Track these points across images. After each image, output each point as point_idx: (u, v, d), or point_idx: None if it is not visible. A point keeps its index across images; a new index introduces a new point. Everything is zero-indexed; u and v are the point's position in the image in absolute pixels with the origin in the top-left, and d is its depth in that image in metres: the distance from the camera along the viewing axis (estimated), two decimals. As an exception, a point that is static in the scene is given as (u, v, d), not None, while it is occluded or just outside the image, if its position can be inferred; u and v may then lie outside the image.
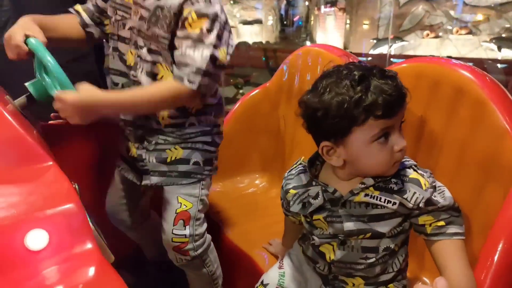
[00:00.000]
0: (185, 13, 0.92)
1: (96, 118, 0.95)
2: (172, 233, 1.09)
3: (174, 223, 1.08)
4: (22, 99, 0.98)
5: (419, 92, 1.08)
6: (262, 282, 0.98)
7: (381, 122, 0.74)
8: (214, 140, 1.12)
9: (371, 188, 0.81)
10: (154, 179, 1.10)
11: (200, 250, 1.12)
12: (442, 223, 0.81)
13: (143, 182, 1.12)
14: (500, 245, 0.79)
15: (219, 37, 0.95)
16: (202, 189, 1.10)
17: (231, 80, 5.75)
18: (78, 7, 1.14)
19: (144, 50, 0.99)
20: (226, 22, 0.99)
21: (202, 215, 1.13)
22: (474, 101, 0.98)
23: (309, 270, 0.96)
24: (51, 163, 0.75)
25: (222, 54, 0.97)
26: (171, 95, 0.97)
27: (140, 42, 0.99)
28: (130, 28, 1.01)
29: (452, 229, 0.81)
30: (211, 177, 1.15)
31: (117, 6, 1.03)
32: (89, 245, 0.62)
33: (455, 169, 1.02)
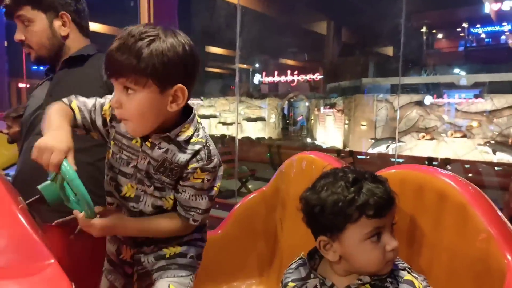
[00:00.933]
0: (190, 168, 1.01)
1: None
2: None
3: None
4: (33, 200, 1.03)
5: (405, 196, 1.14)
6: None
7: (373, 221, 0.83)
8: (203, 237, 1.16)
9: (368, 285, 0.86)
10: (154, 275, 1.12)
11: None
12: None
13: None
14: None
15: (215, 179, 1.06)
16: (191, 281, 1.12)
17: (239, 173, 5.88)
18: (75, 104, 1.06)
19: (151, 188, 1.05)
20: (219, 165, 1.06)
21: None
22: (456, 206, 1.03)
23: None
24: (52, 261, 0.79)
25: (217, 189, 1.07)
26: (177, 229, 1.07)
27: (147, 181, 1.05)
28: (135, 167, 1.05)
29: None
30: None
31: (123, 147, 1.05)
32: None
33: (447, 274, 1.03)
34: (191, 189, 1.03)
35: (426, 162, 6.34)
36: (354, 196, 0.83)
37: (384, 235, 0.85)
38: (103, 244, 1.23)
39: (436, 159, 6.83)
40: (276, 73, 17.75)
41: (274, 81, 17.91)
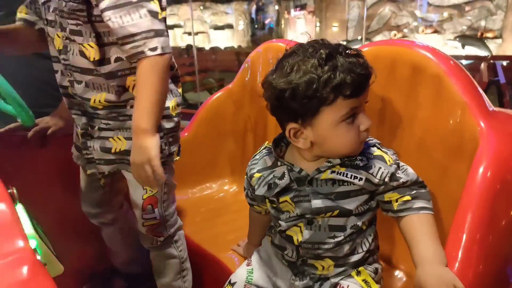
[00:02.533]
0: None
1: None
2: (143, 218, 1.09)
3: (143, 209, 1.08)
4: None
5: (377, 73, 1.06)
6: (230, 281, 0.94)
7: (350, 101, 0.74)
8: (160, 126, 1.02)
9: (338, 166, 0.80)
10: (103, 168, 1.07)
11: (172, 230, 1.14)
12: (408, 197, 0.81)
13: (89, 171, 1.10)
14: (468, 219, 0.76)
15: None
16: (165, 173, 1.01)
17: (204, 83, 5.73)
18: (18, 14, 1.09)
19: (68, 31, 0.94)
20: None
21: (170, 196, 1.13)
22: (431, 78, 0.97)
23: (278, 263, 0.92)
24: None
25: (156, 4, 0.89)
26: (158, 73, 0.89)
27: (64, 23, 0.94)
28: (54, 10, 0.96)
29: (418, 204, 0.81)
30: (172, 161, 1.11)
31: None
32: (20, 244, 0.57)
33: (419, 149, 1.00)
34: (111, 11, 0.85)
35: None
36: (330, 75, 0.71)
37: (359, 115, 0.77)
38: (54, 153, 1.16)
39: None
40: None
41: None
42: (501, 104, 3.76)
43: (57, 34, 0.98)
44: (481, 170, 0.81)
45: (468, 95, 0.91)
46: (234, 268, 1.00)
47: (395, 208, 0.82)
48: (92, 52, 0.93)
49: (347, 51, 0.75)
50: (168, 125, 1.06)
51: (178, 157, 1.15)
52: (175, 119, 1.08)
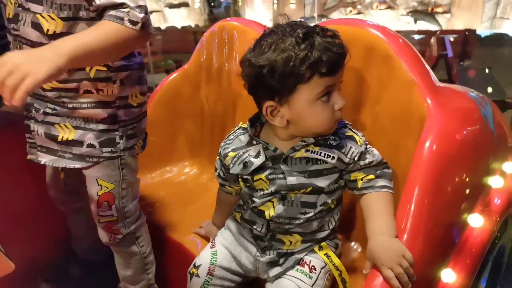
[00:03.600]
0: None
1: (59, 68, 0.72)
2: (98, 214, 1.03)
3: (99, 205, 1.02)
4: None
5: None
6: (194, 264, 0.95)
7: (325, 79, 0.77)
8: (115, 116, 0.96)
9: (312, 145, 0.84)
10: (42, 156, 0.98)
11: (132, 227, 1.07)
12: (372, 176, 0.86)
13: (28, 156, 1.00)
14: (416, 191, 0.80)
15: None
16: (122, 169, 1.01)
17: (162, 65, 5.52)
18: None
19: None
20: None
21: (130, 192, 1.05)
22: (383, 57, 0.99)
23: (244, 241, 0.94)
24: None
25: None
26: (120, 41, 0.82)
27: None
28: None
29: (381, 183, 0.86)
30: (133, 155, 1.04)
31: None
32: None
33: (372, 127, 1.04)
34: None
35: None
36: (307, 52, 0.74)
37: (334, 94, 0.81)
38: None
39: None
40: None
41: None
42: (449, 77, 3.93)
43: (9, 0, 0.87)
44: (427, 144, 0.85)
45: (417, 73, 0.95)
46: (197, 252, 1.01)
47: (359, 186, 0.86)
48: (53, 25, 0.84)
49: (324, 31, 0.78)
50: (125, 116, 0.99)
51: (142, 151, 1.08)
52: (136, 109, 1.01)
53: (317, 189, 0.85)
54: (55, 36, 0.85)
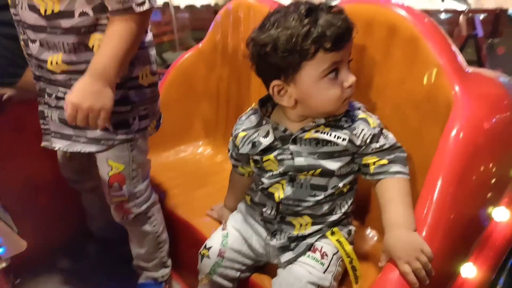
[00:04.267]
0: None
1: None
2: (110, 194, 1.04)
3: (109, 186, 1.02)
4: None
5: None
6: (205, 246, 0.94)
7: (331, 55, 0.75)
8: (127, 97, 0.95)
9: (322, 126, 0.82)
10: (57, 142, 0.99)
11: (144, 207, 1.08)
12: (385, 161, 0.82)
13: (43, 144, 1.01)
14: (439, 182, 0.76)
15: None
16: (131, 150, 1.00)
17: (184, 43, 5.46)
18: None
19: None
20: None
21: (140, 172, 1.04)
22: (406, 39, 0.93)
23: (255, 224, 0.93)
24: None
25: None
26: (138, 30, 0.84)
27: None
28: None
29: (394, 168, 0.81)
30: (144, 136, 1.03)
31: None
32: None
33: (394, 113, 0.99)
34: None
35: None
36: (310, 28, 0.73)
37: (342, 71, 0.78)
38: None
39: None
40: None
41: None
42: (479, 58, 3.77)
43: None
44: (453, 133, 0.80)
45: (444, 56, 0.89)
46: (209, 234, 1.00)
47: (372, 171, 0.82)
48: (49, 5, 0.83)
49: (328, 8, 0.76)
50: (137, 97, 0.97)
51: (156, 131, 1.08)
52: (147, 90, 0.99)
53: (327, 172, 0.82)
54: (53, 16, 0.84)
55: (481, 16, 4.54)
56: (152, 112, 1.03)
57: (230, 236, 0.93)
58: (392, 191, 0.79)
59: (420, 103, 0.92)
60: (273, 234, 0.89)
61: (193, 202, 1.23)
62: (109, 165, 0.99)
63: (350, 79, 0.79)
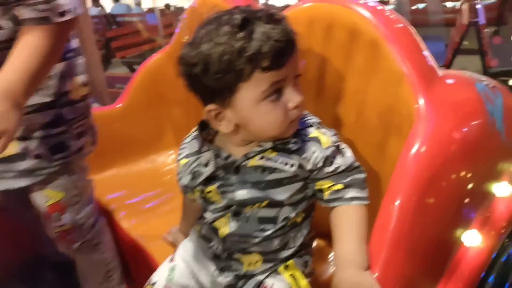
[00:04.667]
0: None
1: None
2: (50, 225, 0.96)
3: (48, 217, 0.94)
4: None
5: (314, 38, 0.93)
6: (150, 281, 0.86)
7: (270, 74, 0.65)
8: (60, 117, 0.87)
9: (269, 150, 0.72)
10: None
11: (89, 234, 1.00)
12: (340, 186, 0.72)
13: None
14: (396, 209, 0.67)
15: None
16: (71, 175, 0.91)
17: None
18: None
19: None
20: None
21: (83, 197, 0.97)
22: (368, 43, 0.84)
23: (204, 257, 0.84)
24: None
25: None
26: (48, 44, 0.74)
27: None
28: None
29: (350, 193, 0.72)
30: (82, 156, 0.94)
31: None
32: None
33: (356, 124, 0.90)
34: None
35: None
36: (243, 43, 0.62)
37: (286, 90, 0.67)
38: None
39: None
40: None
41: None
42: (481, 47, 3.62)
43: None
44: (413, 149, 0.71)
45: (409, 63, 0.79)
46: (162, 260, 0.93)
47: (325, 198, 0.73)
48: None
49: (268, 17, 0.65)
50: (71, 114, 0.89)
51: (94, 147, 0.98)
52: (80, 104, 0.91)
53: (276, 203, 0.73)
54: None
55: (485, 3, 4.37)
56: (88, 128, 0.94)
57: (177, 269, 0.85)
58: (344, 221, 0.70)
59: (383, 115, 0.83)
60: (221, 270, 0.81)
61: (150, 222, 1.15)
62: (46, 196, 0.91)
63: (296, 99, 0.68)
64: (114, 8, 8.54)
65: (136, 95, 1.44)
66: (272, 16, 0.66)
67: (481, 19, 3.82)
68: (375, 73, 0.83)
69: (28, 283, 1.22)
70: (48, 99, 0.83)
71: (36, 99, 0.82)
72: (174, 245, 1.01)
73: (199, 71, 0.65)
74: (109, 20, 7.12)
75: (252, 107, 0.66)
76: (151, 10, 7.51)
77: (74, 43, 0.90)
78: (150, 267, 0.95)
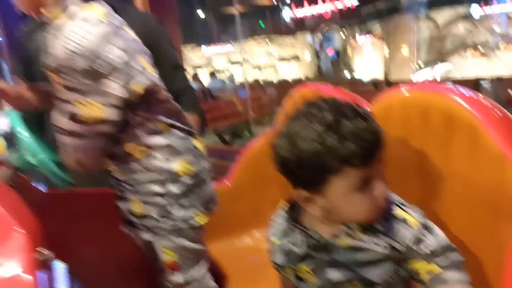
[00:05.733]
0: None
1: None
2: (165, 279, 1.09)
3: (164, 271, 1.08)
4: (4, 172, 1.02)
5: (409, 123, 0.99)
6: None
7: (360, 170, 0.69)
8: (168, 191, 1.02)
9: (356, 231, 0.76)
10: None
11: None
12: (438, 270, 0.72)
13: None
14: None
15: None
16: (177, 237, 1.05)
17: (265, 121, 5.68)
18: None
19: None
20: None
21: (192, 258, 1.09)
22: (466, 128, 0.87)
23: None
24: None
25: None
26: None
27: None
28: None
29: (453, 276, 0.72)
30: (192, 228, 1.07)
31: None
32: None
33: (461, 208, 0.89)
34: None
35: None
36: (335, 143, 0.67)
37: (373, 182, 0.72)
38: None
39: (485, 80, 6.07)
40: (306, 4, 15.88)
41: (307, 15, 16.20)
42: None
43: None
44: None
45: (509, 147, 0.80)
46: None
47: (426, 280, 0.73)
48: None
49: (355, 113, 0.70)
50: (176, 189, 1.02)
51: (206, 219, 1.11)
52: (188, 181, 1.05)
53: (368, 283, 0.74)
54: None
55: None
56: (197, 200, 1.08)
57: None
58: None
59: (490, 197, 0.82)
60: None
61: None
62: (162, 251, 1.05)
63: (383, 190, 0.72)
64: (211, 83, 9.49)
65: (241, 175, 1.59)
66: (359, 113, 0.70)
67: None
68: (476, 157, 0.84)
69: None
70: (159, 177, 1.03)
71: (150, 173, 1.02)
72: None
73: (292, 165, 0.70)
74: (205, 93, 7.84)
75: (342, 197, 0.71)
76: (242, 85, 8.02)
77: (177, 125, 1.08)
78: None
